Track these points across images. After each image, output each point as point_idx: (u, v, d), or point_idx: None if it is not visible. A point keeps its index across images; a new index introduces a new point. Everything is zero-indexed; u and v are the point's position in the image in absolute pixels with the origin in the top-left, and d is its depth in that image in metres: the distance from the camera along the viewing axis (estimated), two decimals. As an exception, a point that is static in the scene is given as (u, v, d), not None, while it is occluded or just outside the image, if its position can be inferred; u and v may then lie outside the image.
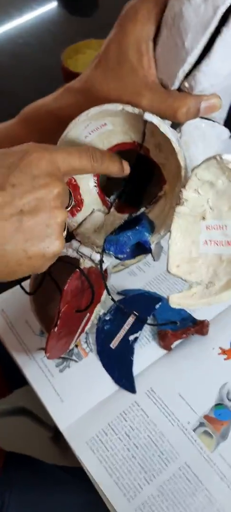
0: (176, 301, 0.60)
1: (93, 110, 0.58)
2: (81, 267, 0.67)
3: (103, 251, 0.65)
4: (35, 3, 2.29)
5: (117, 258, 0.65)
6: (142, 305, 0.81)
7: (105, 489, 0.66)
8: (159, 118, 0.57)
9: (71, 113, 0.60)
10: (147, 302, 0.82)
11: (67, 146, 0.61)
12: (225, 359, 0.76)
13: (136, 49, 0.57)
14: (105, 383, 0.76)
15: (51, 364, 0.77)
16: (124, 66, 0.57)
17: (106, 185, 0.71)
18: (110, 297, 0.70)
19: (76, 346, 0.79)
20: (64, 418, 0.72)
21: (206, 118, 0.67)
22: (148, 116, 0.57)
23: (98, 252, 0.66)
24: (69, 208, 0.55)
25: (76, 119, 0.60)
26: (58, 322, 0.65)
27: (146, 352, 0.79)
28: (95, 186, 0.68)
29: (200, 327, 0.78)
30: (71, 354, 0.78)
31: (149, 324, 0.79)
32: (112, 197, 0.71)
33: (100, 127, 0.63)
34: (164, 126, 0.58)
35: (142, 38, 0.57)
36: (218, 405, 0.72)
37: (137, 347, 0.78)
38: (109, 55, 0.59)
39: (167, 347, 0.78)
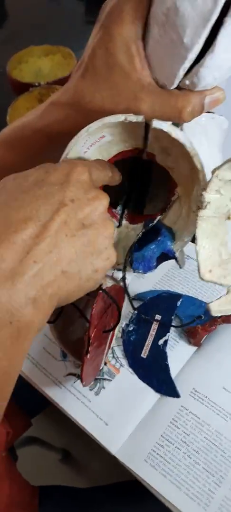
0: (217, 309, 0.57)
1: (94, 125, 0.54)
2: (103, 287, 0.64)
3: (125, 268, 0.63)
4: None
5: (144, 273, 0.63)
6: (163, 307, 0.78)
7: (177, 503, 0.63)
8: (169, 123, 0.54)
9: (61, 129, 0.57)
10: (167, 303, 0.79)
11: None
12: None
13: (126, 52, 0.52)
14: (146, 394, 0.73)
15: (85, 389, 0.73)
16: (115, 72, 0.53)
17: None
18: (134, 311, 0.67)
19: (105, 364, 0.75)
20: (114, 441, 0.69)
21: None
22: (157, 124, 0.53)
23: (119, 270, 0.63)
24: None
25: (76, 137, 0.55)
26: (89, 349, 0.62)
27: (177, 353, 0.76)
28: None
29: (226, 315, 0.77)
30: (102, 374, 0.74)
31: (175, 327, 0.77)
32: (119, 208, 0.67)
33: (98, 140, 0.58)
34: (176, 132, 0.54)
35: (130, 39, 0.52)
36: None
37: (168, 351, 0.75)
38: (96, 62, 0.54)
39: (197, 343, 0.76)
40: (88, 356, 0.61)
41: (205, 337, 0.77)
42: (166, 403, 0.71)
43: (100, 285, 0.63)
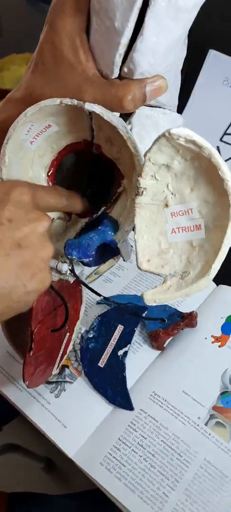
0: (151, 297, 0.55)
1: (31, 109, 0.54)
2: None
3: (72, 260, 0.60)
4: None
5: (82, 263, 0.61)
6: (127, 317, 0.77)
7: (131, 506, 0.62)
8: (101, 107, 0.53)
9: None
10: (132, 313, 0.78)
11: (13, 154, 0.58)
12: (219, 346, 0.75)
13: (70, 45, 0.53)
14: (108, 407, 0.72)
15: (45, 391, 0.73)
16: (62, 65, 0.54)
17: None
18: (101, 297, 0.65)
19: (67, 366, 0.74)
20: (71, 444, 0.68)
21: (156, 106, 0.64)
22: (89, 106, 0.53)
23: (65, 262, 0.60)
24: None
25: (15, 122, 0.55)
26: (32, 346, 0.61)
27: (140, 356, 0.76)
28: None
29: (189, 320, 0.76)
30: (64, 377, 0.73)
31: (140, 318, 0.76)
32: None
33: (44, 130, 0.58)
34: (107, 114, 0.53)
35: (74, 31, 0.53)
36: (224, 393, 0.70)
37: (130, 354, 0.75)
38: (44, 57, 0.55)
39: (160, 347, 0.75)
40: (31, 353, 0.60)
41: (168, 341, 0.76)
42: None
43: None
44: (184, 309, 0.79)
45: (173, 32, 0.51)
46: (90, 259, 0.60)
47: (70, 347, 0.71)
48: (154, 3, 0.47)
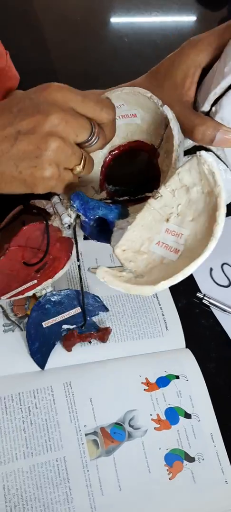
0: (103, 274, 0.59)
1: (127, 89, 0.64)
2: (50, 223, 0.68)
3: (76, 218, 0.67)
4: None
5: (78, 217, 0.66)
6: (89, 305, 0.81)
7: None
8: (174, 115, 0.60)
9: None
10: (94, 305, 0.82)
11: None
12: (145, 389, 0.75)
13: (184, 70, 0.63)
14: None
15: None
16: (169, 81, 0.65)
17: (111, 175, 0.73)
18: (78, 263, 0.71)
19: (28, 315, 0.81)
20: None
21: (222, 160, 0.68)
22: (165, 108, 0.61)
23: (69, 216, 0.66)
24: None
25: (111, 90, 0.65)
26: (1, 258, 0.66)
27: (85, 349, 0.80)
28: (102, 166, 0.71)
29: (102, 333, 0.78)
30: (20, 322, 0.81)
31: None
32: (110, 187, 0.72)
33: (130, 116, 0.66)
34: (175, 123, 0.60)
35: (193, 63, 0.63)
36: (117, 424, 0.72)
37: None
38: (160, 68, 0.67)
39: (68, 346, 0.77)
40: None
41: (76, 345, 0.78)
42: (42, 376, 0.75)
43: (49, 217, 0.70)
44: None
45: None
46: (87, 220, 0.65)
47: (29, 293, 0.75)
48: None
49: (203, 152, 0.55)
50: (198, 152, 0.55)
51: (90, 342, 0.79)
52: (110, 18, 1.69)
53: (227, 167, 0.69)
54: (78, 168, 0.59)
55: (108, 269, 0.59)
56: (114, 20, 1.67)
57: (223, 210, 0.54)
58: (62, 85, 0.57)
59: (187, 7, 1.74)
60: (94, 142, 0.58)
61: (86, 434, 0.70)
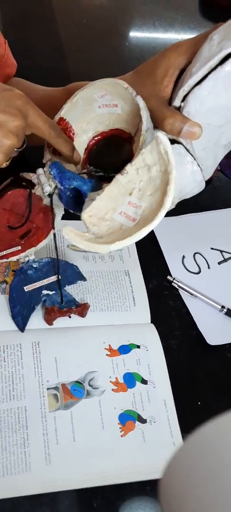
0: (68, 232, 0.65)
1: (109, 79, 0.69)
2: (34, 191, 0.73)
3: (55, 188, 0.72)
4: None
5: (53, 184, 0.71)
6: (68, 273, 0.85)
7: None
8: (145, 105, 0.66)
9: None
10: (73, 274, 0.86)
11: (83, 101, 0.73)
12: (107, 355, 0.79)
13: (164, 70, 0.70)
14: (12, 322, 0.80)
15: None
16: (150, 78, 0.71)
17: (94, 160, 0.78)
18: (53, 231, 0.76)
19: (6, 282, 0.86)
20: None
21: (189, 153, 0.73)
22: (138, 98, 0.67)
23: (49, 186, 0.72)
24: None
25: (94, 81, 0.70)
26: None
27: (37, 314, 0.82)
28: (85, 148, 0.77)
29: (81, 308, 0.81)
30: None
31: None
32: (91, 168, 0.76)
33: (111, 106, 0.72)
34: (146, 112, 0.66)
35: (173, 64, 0.70)
36: (78, 383, 0.75)
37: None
38: (144, 67, 0.73)
39: (49, 321, 0.80)
40: None
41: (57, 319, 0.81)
42: (12, 336, 0.79)
43: (33, 187, 0.76)
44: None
45: (220, 98, 0.64)
46: (62, 189, 0.70)
47: (13, 259, 0.80)
48: (219, 69, 0.62)
49: (159, 133, 0.62)
50: (155, 133, 0.61)
51: (70, 317, 0.82)
52: (130, 33, 1.74)
53: (194, 159, 0.73)
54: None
55: (73, 228, 0.65)
56: (134, 34, 1.72)
57: (173, 186, 0.62)
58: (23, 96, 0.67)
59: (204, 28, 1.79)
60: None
61: (48, 388, 0.74)
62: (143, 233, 0.62)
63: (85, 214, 0.66)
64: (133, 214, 0.65)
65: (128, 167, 0.65)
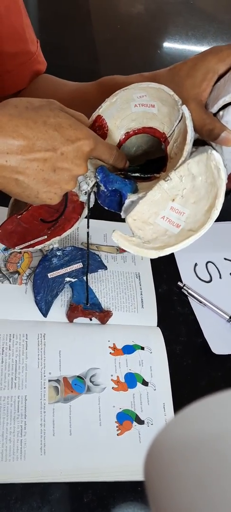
0: (117, 237, 0.66)
1: (153, 84, 0.68)
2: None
3: (94, 185, 0.71)
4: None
5: (98, 187, 0.71)
6: (90, 261, 0.83)
7: None
8: (190, 114, 0.66)
9: None
10: (95, 263, 0.86)
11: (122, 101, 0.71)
12: (111, 353, 0.78)
13: (204, 74, 0.69)
14: (21, 312, 0.81)
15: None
16: (189, 79, 0.70)
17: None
18: (87, 230, 0.75)
19: (18, 273, 0.86)
20: None
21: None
22: (184, 108, 0.66)
23: (86, 184, 0.70)
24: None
25: (138, 83, 0.70)
26: (24, 213, 0.70)
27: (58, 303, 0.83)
28: (117, 144, 0.75)
29: (104, 315, 0.81)
30: (10, 275, 0.85)
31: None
32: (130, 168, 0.75)
33: (148, 106, 0.71)
34: (190, 122, 0.66)
35: (212, 69, 0.69)
36: (79, 377, 0.74)
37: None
38: (183, 67, 0.72)
39: (70, 318, 0.81)
40: (19, 217, 0.71)
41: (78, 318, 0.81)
42: (20, 324, 0.79)
43: None
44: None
45: None
46: (105, 190, 0.70)
47: (38, 247, 0.79)
48: None
49: (214, 152, 0.63)
50: (209, 150, 0.62)
51: (91, 319, 0.82)
52: (162, 41, 1.73)
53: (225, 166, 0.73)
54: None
55: (122, 233, 0.67)
56: (166, 43, 1.71)
57: (221, 199, 0.63)
58: (90, 137, 0.63)
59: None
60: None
61: (49, 380, 0.73)
62: (190, 241, 0.64)
63: (130, 217, 0.67)
64: (176, 220, 0.66)
65: (172, 174, 0.65)
